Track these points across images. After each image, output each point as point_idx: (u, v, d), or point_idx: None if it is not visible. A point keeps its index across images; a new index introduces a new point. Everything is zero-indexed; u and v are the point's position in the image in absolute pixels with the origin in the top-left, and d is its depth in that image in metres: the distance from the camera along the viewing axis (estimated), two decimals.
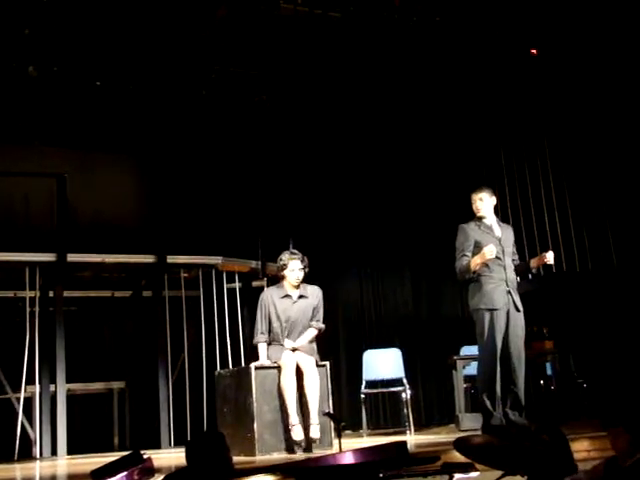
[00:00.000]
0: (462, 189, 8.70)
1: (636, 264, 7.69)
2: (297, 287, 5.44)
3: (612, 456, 3.00)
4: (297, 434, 4.99)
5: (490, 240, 5.31)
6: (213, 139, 8.17)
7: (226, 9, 7.07)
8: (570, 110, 8.15)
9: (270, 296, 5.43)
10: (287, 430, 5.08)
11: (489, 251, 5.16)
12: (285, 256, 5.45)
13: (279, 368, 5.18)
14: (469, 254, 5.34)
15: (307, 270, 5.46)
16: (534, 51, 7.99)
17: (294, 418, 5.03)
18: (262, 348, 5.36)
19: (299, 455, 4.84)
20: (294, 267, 5.41)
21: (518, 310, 5.33)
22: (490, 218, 5.46)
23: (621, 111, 7.82)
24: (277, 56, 7.69)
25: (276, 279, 5.59)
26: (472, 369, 6.67)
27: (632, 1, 7.20)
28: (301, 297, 5.43)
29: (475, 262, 5.28)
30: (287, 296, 5.42)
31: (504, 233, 5.47)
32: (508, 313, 5.29)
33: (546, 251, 5.47)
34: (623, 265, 7.77)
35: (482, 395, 5.26)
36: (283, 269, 5.43)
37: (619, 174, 7.91)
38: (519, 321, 5.33)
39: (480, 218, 5.45)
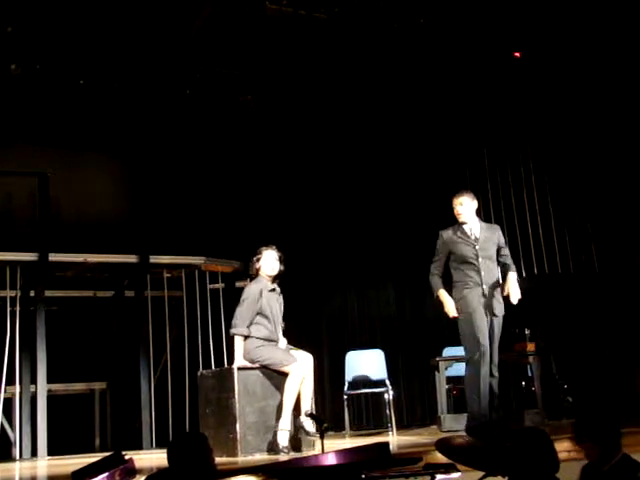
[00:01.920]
0: (446, 193, 8.78)
1: (617, 268, 7.75)
2: (273, 281, 5.38)
3: (588, 462, 3.04)
4: (286, 439, 5.00)
5: (464, 248, 5.39)
6: (197, 139, 8.15)
7: (210, 8, 7.06)
8: (553, 113, 8.20)
9: (260, 289, 5.30)
10: (269, 431, 5.08)
11: (450, 311, 5.36)
12: (261, 248, 5.42)
13: (263, 368, 5.18)
14: (442, 259, 5.48)
15: (282, 269, 5.39)
16: (517, 54, 8.04)
17: (290, 423, 5.04)
18: (240, 344, 5.23)
19: (282, 456, 4.84)
20: (268, 257, 5.35)
21: (494, 315, 5.34)
22: (471, 222, 5.47)
23: (604, 114, 7.88)
24: (262, 56, 7.68)
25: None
26: (454, 370, 6.72)
27: (616, 4, 7.26)
28: (280, 293, 5.43)
29: (440, 297, 5.46)
30: (273, 290, 5.37)
31: (485, 235, 5.46)
32: (487, 317, 5.33)
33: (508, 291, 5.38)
34: (604, 269, 7.83)
35: (471, 396, 5.29)
36: (258, 260, 5.36)
37: (601, 178, 7.96)
38: (495, 325, 5.34)
39: (461, 224, 5.47)
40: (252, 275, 5.49)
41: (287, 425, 5.03)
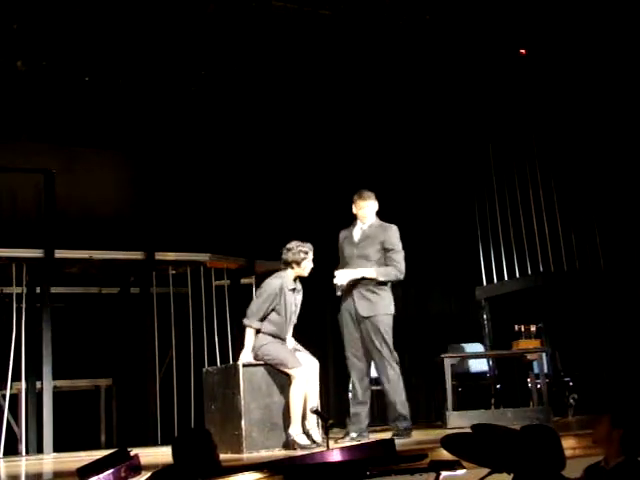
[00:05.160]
0: (452, 190, 8.77)
1: (623, 265, 7.73)
2: (295, 280, 5.28)
3: (592, 464, 3.03)
4: (305, 438, 4.99)
5: (347, 248, 5.41)
6: (202, 136, 8.15)
7: (214, 5, 7.06)
8: (559, 111, 8.17)
9: (281, 286, 5.16)
10: (274, 428, 5.10)
11: (338, 278, 5.29)
12: (306, 246, 5.23)
13: (268, 366, 5.18)
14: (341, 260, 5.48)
15: None
16: (523, 51, 8.02)
17: (300, 426, 5.03)
18: (250, 336, 5.15)
19: (287, 452, 4.85)
20: (311, 257, 5.24)
21: (363, 317, 5.27)
22: (368, 223, 5.42)
23: (610, 111, 7.85)
24: (267, 53, 7.68)
25: (264, 276, 5.48)
26: (462, 367, 6.73)
27: (621, 1, 7.23)
28: (299, 291, 5.32)
29: None
30: (294, 290, 5.25)
31: (369, 234, 5.38)
32: (358, 320, 5.30)
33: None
34: (610, 266, 7.81)
35: None
36: (303, 259, 5.19)
37: (607, 174, 7.94)
38: (369, 327, 5.26)
39: (355, 223, 5.46)
40: (262, 274, 5.40)
41: (299, 429, 5.02)
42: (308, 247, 5.25)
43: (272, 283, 5.21)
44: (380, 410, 8.14)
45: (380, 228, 5.41)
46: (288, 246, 5.25)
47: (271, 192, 8.24)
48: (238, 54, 7.70)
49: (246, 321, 5.20)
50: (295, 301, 5.27)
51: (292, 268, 5.23)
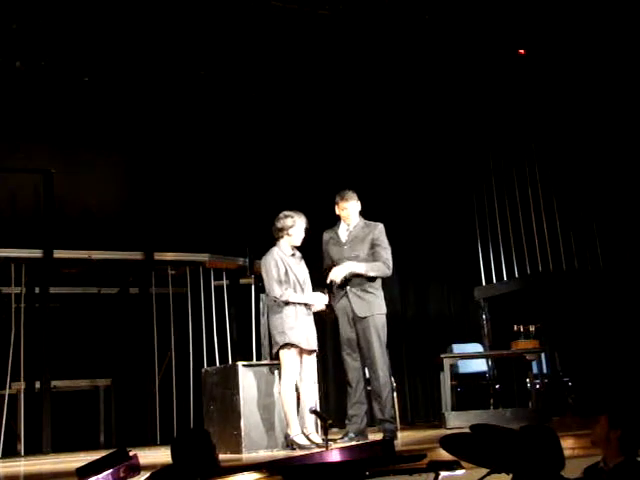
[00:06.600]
0: (453, 192, 8.78)
1: (622, 264, 7.74)
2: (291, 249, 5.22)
3: (591, 464, 3.03)
4: (304, 438, 4.97)
5: (333, 249, 5.33)
6: (201, 136, 8.15)
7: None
8: (558, 111, 8.18)
9: (274, 260, 5.09)
10: (273, 428, 5.09)
11: (333, 275, 5.20)
12: (292, 214, 5.18)
13: (267, 366, 5.18)
14: (328, 262, 5.37)
15: None
16: (522, 51, 8.02)
17: (299, 426, 5.00)
18: (298, 295, 5.06)
19: (286, 452, 4.85)
20: (302, 226, 5.18)
21: (359, 317, 5.22)
22: (352, 223, 5.38)
23: (609, 112, 7.86)
24: (266, 53, 7.68)
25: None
26: (461, 367, 6.72)
27: (621, 2, 7.24)
28: (301, 258, 5.25)
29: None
30: (293, 255, 5.18)
31: (357, 234, 5.34)
32: (354, 320, 5.24)
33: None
34: (609, 266, 7.82)
35: None
36: (291, 226, 5.15)
37: (605, 174, 7.95)
38: (365, 327, 5.20)
39: (339, 224, 5.42)
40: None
41: (297, 429, 5.00)
42: (296, 214, 5.21)
43: (267, 256, 5.17)
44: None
45: (367, 227, 5.39)
46: (276, 217, 5.24)
47: (270, 192, 8.23)
48: (237, 54, 7.70)
49: (283, 298, 5.04)
50: (301, 266, 5.21)
51: (282, 237, 5.19)
